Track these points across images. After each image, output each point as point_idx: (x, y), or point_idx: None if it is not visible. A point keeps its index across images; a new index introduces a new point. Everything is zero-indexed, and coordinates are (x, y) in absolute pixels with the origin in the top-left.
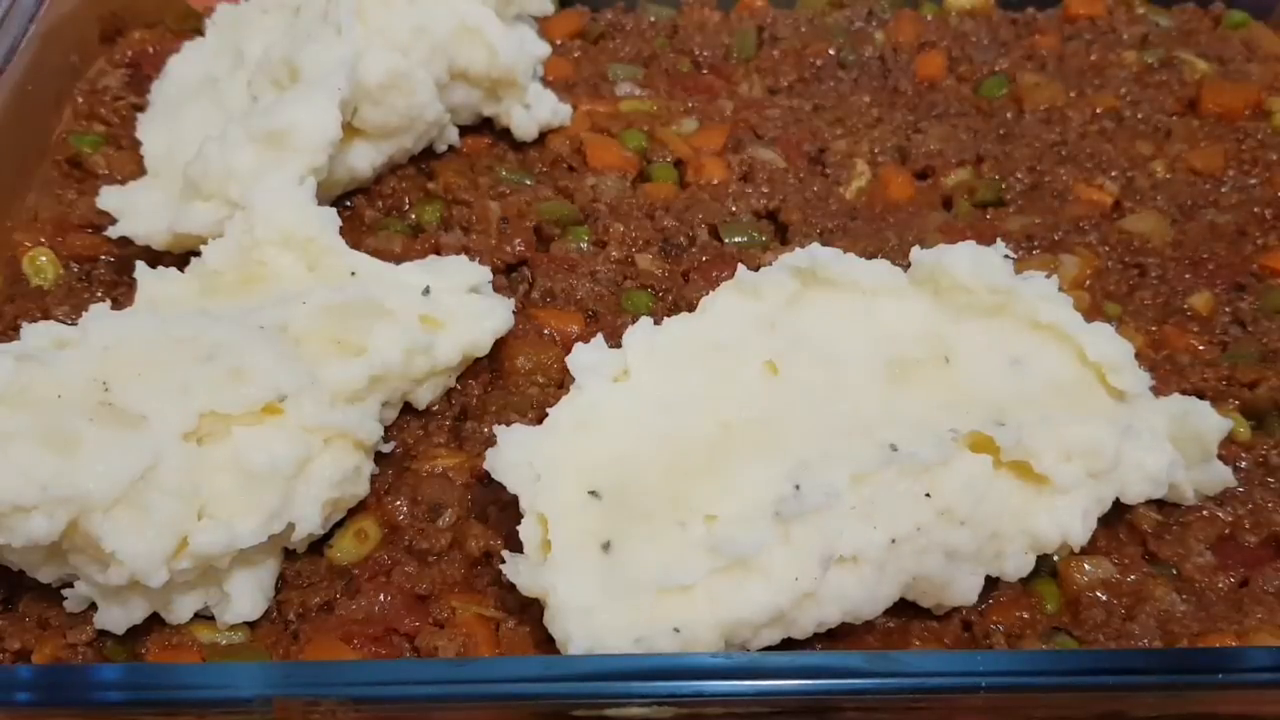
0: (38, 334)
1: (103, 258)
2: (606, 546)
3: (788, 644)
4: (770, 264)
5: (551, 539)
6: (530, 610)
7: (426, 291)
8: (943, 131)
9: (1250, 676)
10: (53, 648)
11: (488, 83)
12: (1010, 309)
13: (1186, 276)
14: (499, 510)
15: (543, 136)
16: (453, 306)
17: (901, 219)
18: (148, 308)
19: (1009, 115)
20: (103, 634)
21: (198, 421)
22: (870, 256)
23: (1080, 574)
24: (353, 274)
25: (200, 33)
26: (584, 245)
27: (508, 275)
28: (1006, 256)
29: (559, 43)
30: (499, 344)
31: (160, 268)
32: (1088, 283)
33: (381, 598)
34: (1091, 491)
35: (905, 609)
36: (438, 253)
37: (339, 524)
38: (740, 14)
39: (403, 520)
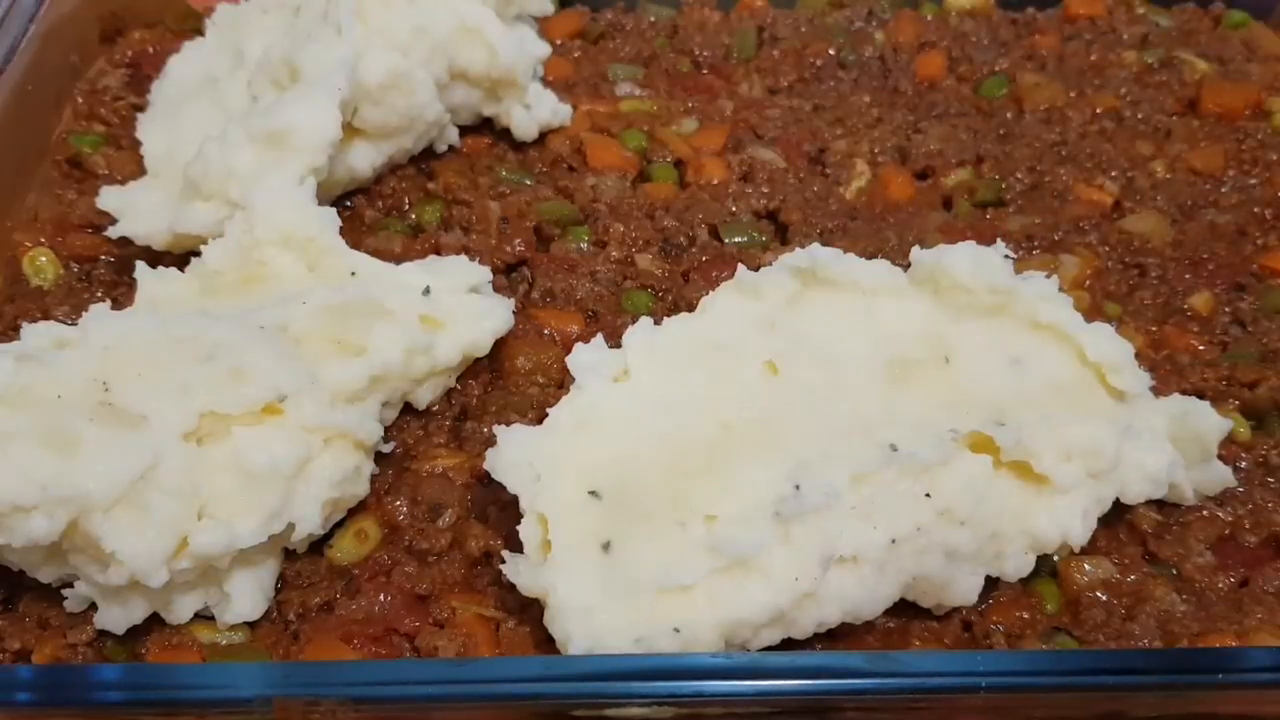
0: (38, 334)
1: (103, 258)
2: (606, 546)
3: (788, 644)
4: (770, 264)
5: (551, 539)
6: (530, 610)
7: (426, 291)
8: (943, 131)
9: (1250, 676)
10: (53, 648)
11: (488, 83)
12: (1010, 309)
13: (1186, 276)
14: (499, 510)
15: (543, 136)
16: (453, 306)
17: (901, 219)
18: (148, 308)
19: (1009, 115)
20: (103, 634)
21: (198, 421)
22: (870, 256)
23: (1080, 574)
24: (353, 274)
25: (200, 33)
26: (584, 245)
27: (508, 275)
28: (1006, 256)
29: (559, 43)
30: (499, 344)
31: (160, 268)
32: (1088, 283)
33: (381, 598)
34: (1091, 491)
35: (905, 609)
36: (438, 253)
37: (339, 524)
38: (740, 14)
39: (403, 520)
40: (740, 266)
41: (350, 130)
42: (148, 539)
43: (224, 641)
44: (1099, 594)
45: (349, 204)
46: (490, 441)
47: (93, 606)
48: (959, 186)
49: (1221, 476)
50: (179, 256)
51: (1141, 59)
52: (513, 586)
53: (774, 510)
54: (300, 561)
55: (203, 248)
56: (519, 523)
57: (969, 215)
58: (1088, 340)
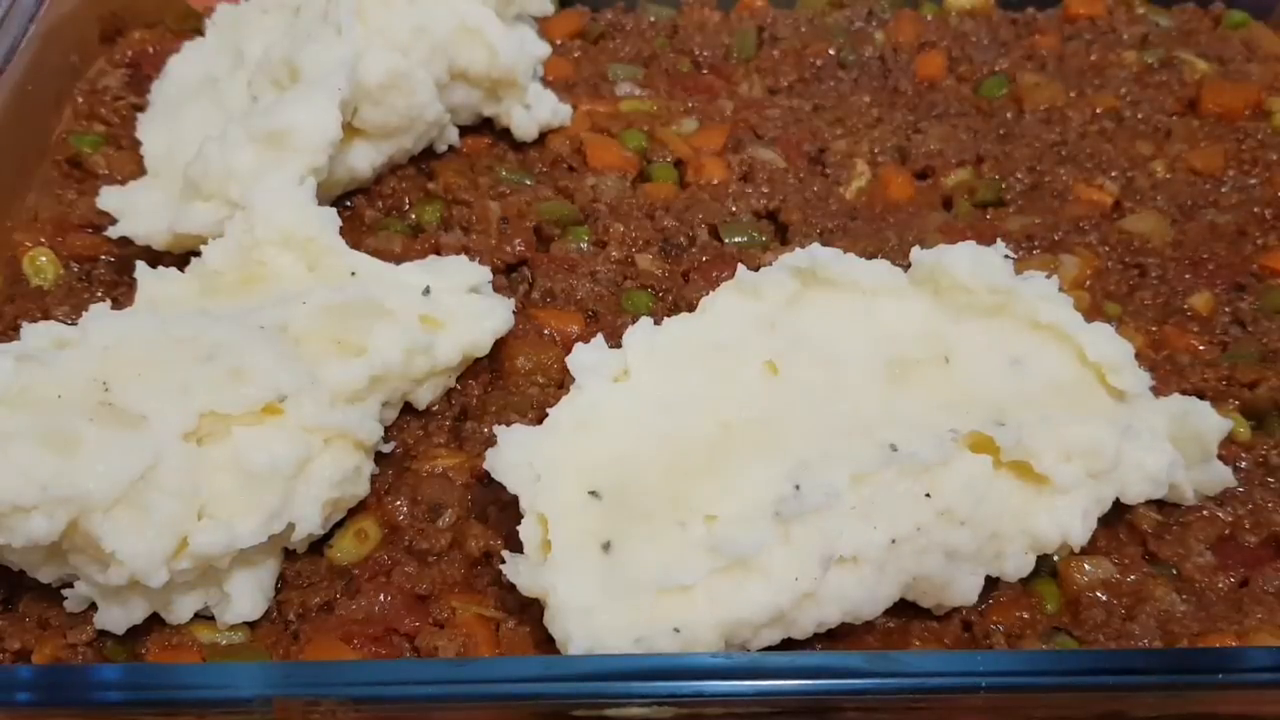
0: (38, 334)
1: (103, 258)
2: (606, 546)
3: (788, 644)
4: (770, 264)
5: (551, 539)
6: (530, 610)
7: (426, 291)
8: (943, 131)
9: (1250, 676)
10: (53, 648)
11: (488, 83)
12: (1010, 309)
13: (1186, 276)
14: (499, 510)
15: (543, 136)
16: (453, 306)
17: (901, 219)
18: (148, 308)
19: (1009, 115)
20: (103, 634)
21: (198, 421)
22: (870, 256)
23: (1080, 574)
24: (353, 274)
25: (200, 33)
26: (584, 245)
27: (508, 275)
28: (1006, 256)
29: (559, 43)
30: (499, 344)
31: (160, 268)
32: (1088, 283)
33: (381, 598)
34: (1091, 491)
35: (905, 609)
36: (438, 253)
37: (339, 524)
38: (740, 14)
39: (403, 520)
40: (740, 266)
41: (350, 130)
42: (148, 539)
43: (224, 641)
44: (1099, 594)
45: (349, 204)
46: (490, 441)
47: (93, 606)
48: (959, 186)
49: (1221, 476)
50: (179, 256)
51: (1141, 59)
52: (513, 586)
53: (774, 510)
54: (300, 561)
55: (203, 248)
56: (519, 523)
57: (969, 215)
58: (1088, 340)
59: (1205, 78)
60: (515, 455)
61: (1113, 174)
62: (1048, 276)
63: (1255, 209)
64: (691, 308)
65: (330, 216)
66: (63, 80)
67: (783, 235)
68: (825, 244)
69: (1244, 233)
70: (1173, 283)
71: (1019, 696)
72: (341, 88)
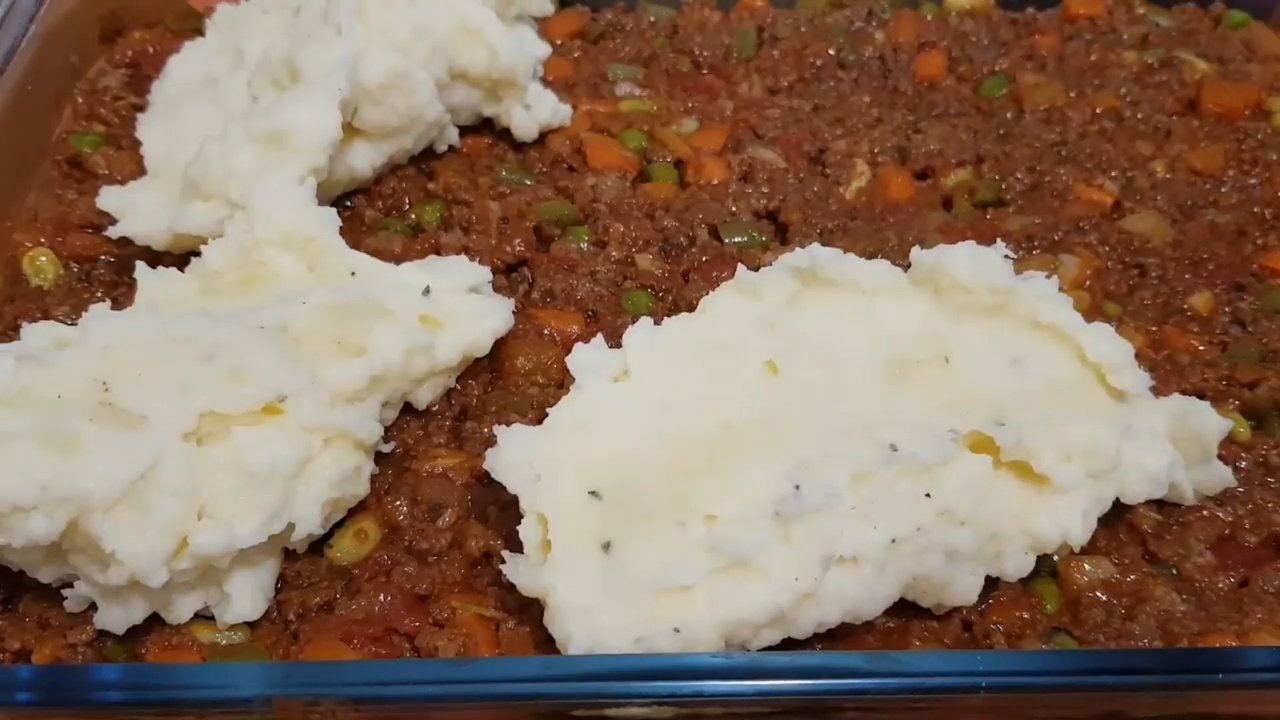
0: (38, 334)
1: (103, 258)
2: (606, 546)
3: (788, 644)
4: (770, 264)
5: (551, 539)
6: (530, 610)
7: (426, 291)
8: (943, 131)
9: (1250, 676)
10: (53, 648)
11: (488, 83)
12: (1010, 309)
13: (1186, 276)
14: (499, 510)
15: (543, 136)
16: (453, 306)
17: (901, 219)
18: (148, 308)
19: (1009, 115)
20: (103, 634)
21: (198, 421)
22: (870, 256)
23: (1080, 574)
24: (353, 274)
25: (200, 33)
26: (584, 245)
27: (508, 275)
28: (1006, 256)
29: (559, 43)
30: (499, 344)
31: (160, 268)
32: (1088, 283)
33: (381, 598)
34: (1091, 491)
35: (905, 609)
36: (438, 253)
37: (339, 524)
38: (740, 14)
39: (403, 520)
40: (740, 266)
41: (350, 130)
42: (148, 539)
43: (224, 641)
44: (1099, 594)
45: (349, 204)
46: (490, 441)
47: (93, 606)
48: (959, 186)
49: (1221, 476)
50: (179, 256)
51: (1141, 59)
52: (513, 586)
53: (774, 510)
54: (300, 561)
55: (203, 248)
56: (519, 523)
57: (969, 215)
58: (1088, 340)
59: (1205, 78)
60: (515, 455)
61: (1113, 174)
62: (1048, 276)
63: (1255, 209)
64: (691, 308)
65: (330, 216)
66: (63, 80)
67: (783, 235)
68: (825, 244)
69: (1244, 233)
70: (1173, 283)
71: (1019, 696)
72: (341, 88)
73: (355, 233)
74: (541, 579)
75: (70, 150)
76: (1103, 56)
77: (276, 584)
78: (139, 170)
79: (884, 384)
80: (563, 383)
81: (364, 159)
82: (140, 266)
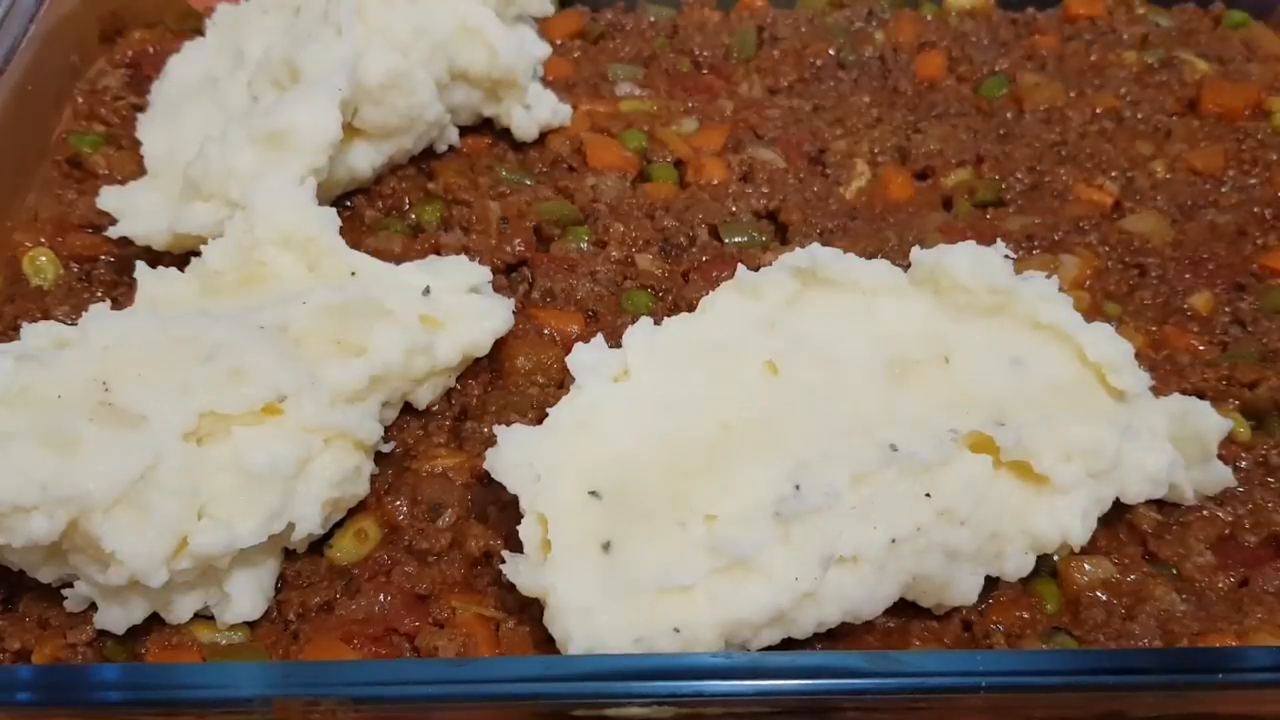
0: (38, 334)
1: (103, 258)
2: (606, 546)
3: (788, 644)
4: (770, 264)
5: (551, 539)
6: (530, 610)
7: (426, 291)
8: (943, 131)
9: (1250, 676)
10: (53, 648)
11: (488, 83)
12: (1010, 309)
13: (1186, 276)
14: (499, 510)
15: (543, 136)
16: (453, 306)
17: (901, 219)
18: (148, 308)
19: (1009, 115)
20: (103, 634)
21: (198, 421)
22: (870, 256)
23: (1080, 574)
24: (353, 274)
25: (200, 33)
26: (584, 245)
27: (508, 275)
28: (1006, 256)
29: (559, 43)
30: (499, 344)
31: (160, 268)
32: (1088, 283)
33: (381, 598)
34: (1091, 491)
35: (905, 609)
36: (438, 253)
37: (339, 524)
38: (740, 14)
39: (403, 520)
40: (740, 266)
41: (350, 130)
42: (148, 539)
43: (224, 641)
44: (1099, 594)
45: (349, 204)
46: (490, 441)
47: (93, 606)
48: (959, 186)
49: (1221, 476)
50: (179, 256)
51: (1141, 59)
52: (513, 586)
53: (774, 510)
54: (300, 561)
55: (203, 248)
56: (519, 523)
57: (969, 215)
58: (1088, 340)
59: (1205, 78)
60: (515, 455)
61: (1113, 174)
62: (1048, 276)
63: (1255, 209)
64: (691, 308)
65: (330, 216)
66: (63, 80)
67: (783, 235)
68: (825, 244)
69: (1244, 233)
70: (1173, 283)
71: (1019, 696)
72: (342, 88)
73: (355, 233)
74: (541, 579)
75: (70, 150)
76: (1103, 56)
77: (276, 584)
78: (139, 170)
79: (884, 384)
80: (563, 383)
81: (364, 159)
82: (140, 266)
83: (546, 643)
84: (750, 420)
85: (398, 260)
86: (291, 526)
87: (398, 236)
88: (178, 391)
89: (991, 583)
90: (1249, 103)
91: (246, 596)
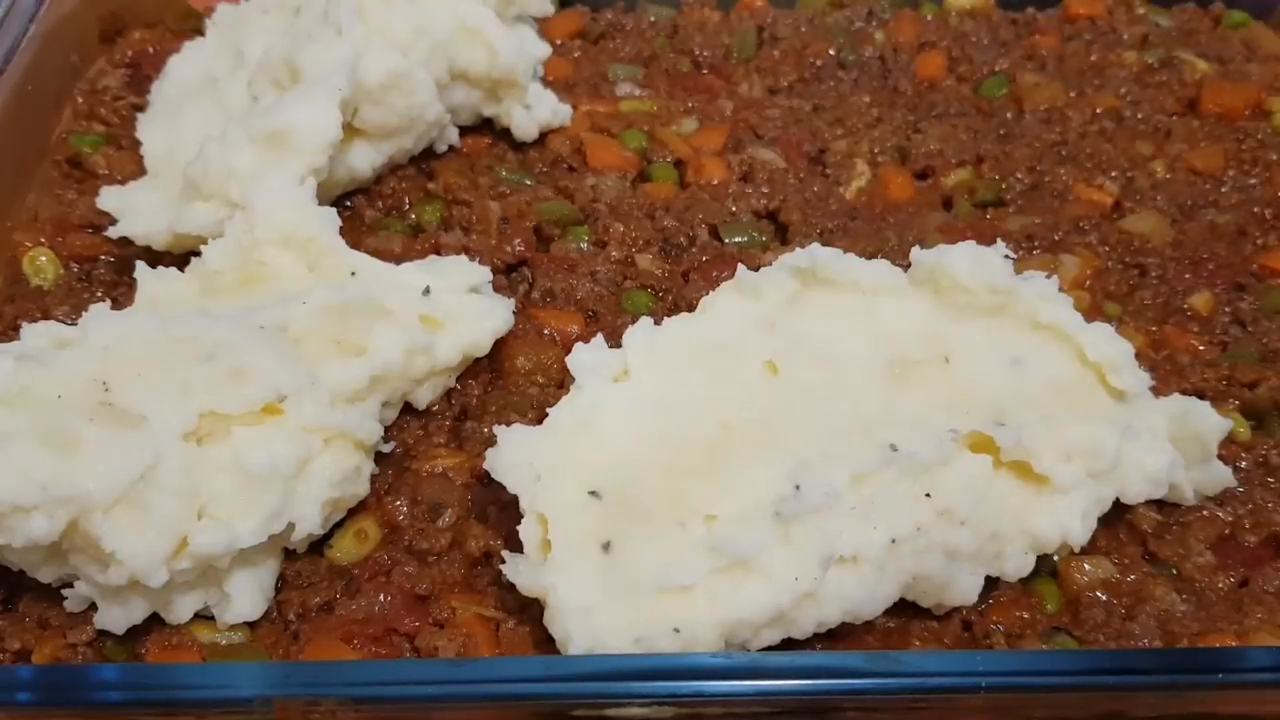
0: (38, 334)
1: (103, 258)
2: (606, 546)
3: (788, 644)
4: (770, 264)
5: (551, 539)
6: (530, 610)
7: (426, 291)
8: (943, 131)
9: (1250, 676)
10: (53, 648)
11: (488, 83)
12: (1010, 309)
13: (1186, 276)
14: (499, 510)
15: (543, 136)
16: (453, 306)
17: (901, 219)
18: (148, 308)
19: (1009, 115)
20: (103, 634)
21: (198, 421)
22: (870, 256)
23: (1080, 574)
24: (353, 274)
25: (200, 33)
26: (584, 245)
27: (508, 275)
28: (1006, 256)
29: (559, 43)
30: (499, 344)
31: (160, 268)
32: (1088, 283)
33: (381, 598)
34: (1091, 491)
35: (905, 609)
36: (438, 253)
37: (339, 524)
38: (740, 14)
39: (403, 520)
40: (740, 266)
41: (350, 130)
42: (148, 539)
43: (224, 641)
44: (1099, 594)
45: (349, 204)
46: (490, 441)
47: (93, 606)
48: (959, 186)
49: (1221, 476)
50: (179, 256)
51: (1141, 59)
52: (513, 586)
53: (774, 510)
54: (300, 561)
55: (203, 248)
56: (519, 523)
57: (969, 215)
58: (1088, 340)
59: (1205, 78)
60: (515, 455)
61: (1113, 174)
62: (1048, 276)
63: (1255, 209)
64: (691, 308)
65: (330, 216)
66: (63, 80)
67: (783, 235)
68: (825, 244)
69: (1244, 233)
70: (1173, 283)
71: (1019, 696)
72: (341, 88)
73: (355, 233)
74: (541, 579)
75: (70, 150)
76: (1103, 56)
77: (276, 584)
78: (139, 170)
79: (884, 384)
80: (563, 383)
81: (364, 159)
82: (140, 266)
83: (546, 643)
84: (750, 420)
85: (398, 260)
86: (291, 526)
87: (398, 236)
88: (178, 391)
89: (991, 583)
90: (1249, 103)
91: (246, 596)
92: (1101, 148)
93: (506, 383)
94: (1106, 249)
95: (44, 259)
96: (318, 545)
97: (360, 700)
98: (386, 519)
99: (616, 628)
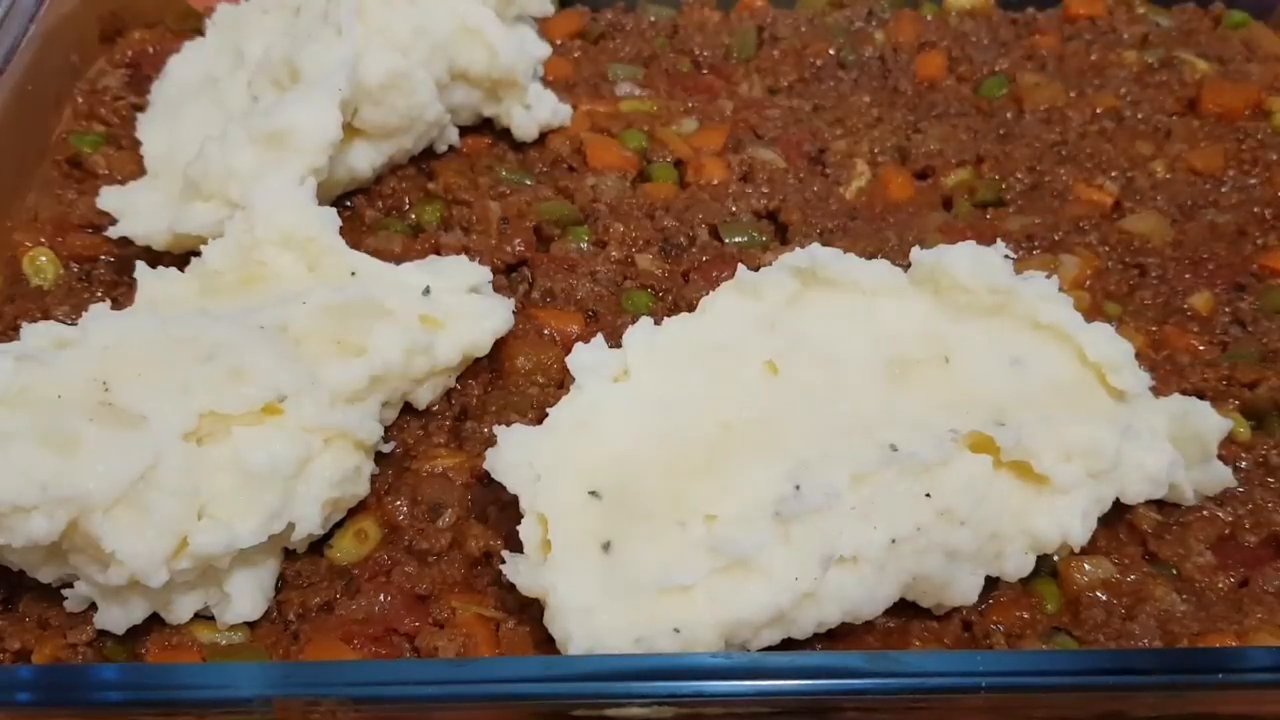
0: (38, 334)
1: (103, 258)
2: (606, 546)
3: (788, 644)
4: (770, 264)
5: (551, 539)
6: (530, 610)
7: (426, 291)
8: (943, 131)
9: (1250, 676)
10: (53, 648)
11: (488, 83)
12: (1010, 309)
13: (1186, 276)
14: (499, 510)
15: (543, 136)
16: (453, 306)
17: (901, 219)
18: (148, 308)
19: (1009, 115)
20: (103, 634)
21: (198, 421)
22: (870, 256)
23: (1080, 574)
24: (353, 274)
25: (200, 33)
26: (584, 245)
27: (508, 275)
28: (1006, 256)
29: (559, 43)
30: (499, 344)
31: (160, 268)
32: (1088, 283)
33: (381, 598)
34: (1091, 491)
35: (905, 609)
36: (438, 253)
37: (339, 524)
38: (740, 14)
39: (403, 520)
40: (740, 266)
41: (350, 130)
42: (148, 539)
43: (224, 641)
44: (1099, 594)
45: (349, 204)
46: (490, 441)
47: (93, 606)
48: (959, 186)
49: (1221, 476)
50: (179, 256)
51: (1141, 59)
52: (513, 586)
53: (774, 510)
54: (300, 561)
55: (203, 248)
56: (519, 523)
57: (969, 215)
58: (1088, 340)
59: (1205, 78)
60: (515, 455)
61: (1113, 174)
62: (1048, 276)
63: (1255, 209)
64: (691, 308)
65: (330, 216)
66: (63, 80)
67: (783, 235)
68: (825, 244)
69: (1244, 233)
70: (1173, 283)
71: (1019, 696)
72: (341, 88)
73: (355, 233)
74: (541, 579)
75: (70, 150)
76: (1103, 56)
77: (276, 584)
78: (139, 170)
79: (884, 384)
80: (563, 383)
81: (364, 159)
82: (140, 266)
83: (546, 643)
84: (750, 420)
85: (398, 260)
86: (291, 526)
87: (398, 236)
88: (178, 391)
89: (991, 583)
90: (1249, 103)
91: (246, 596)
92: (1101, 148)
93: (506, 383)
94: (1106, 249)
95: (44, 259)
96: (318, 545)
97: (360, 700)
98: (386, 519)
99: (616, 628)
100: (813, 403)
